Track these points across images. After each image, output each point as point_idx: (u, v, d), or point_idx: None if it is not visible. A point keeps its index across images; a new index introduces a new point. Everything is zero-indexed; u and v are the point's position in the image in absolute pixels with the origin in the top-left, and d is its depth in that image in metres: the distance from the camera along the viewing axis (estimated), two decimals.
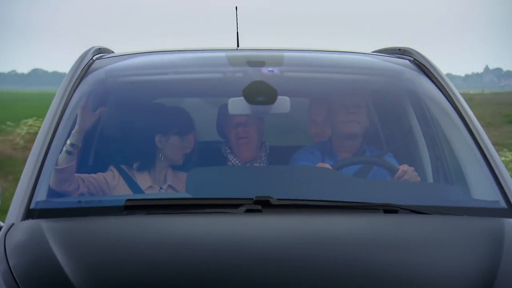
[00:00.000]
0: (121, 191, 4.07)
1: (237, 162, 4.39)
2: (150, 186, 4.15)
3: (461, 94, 4.07)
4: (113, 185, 4.08)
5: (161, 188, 4.14)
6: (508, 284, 2.88)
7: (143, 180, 4.17)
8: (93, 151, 4.36)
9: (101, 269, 2.96)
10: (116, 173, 4.16)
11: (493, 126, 24.65)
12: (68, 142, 3.94)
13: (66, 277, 2.84)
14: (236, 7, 4.98)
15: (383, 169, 4.20)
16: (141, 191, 4.13)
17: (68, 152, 3.94)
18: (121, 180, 4.13)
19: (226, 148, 4.47)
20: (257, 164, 4.40)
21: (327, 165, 4.08)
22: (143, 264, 2.96)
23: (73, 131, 3.97)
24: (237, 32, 4.89)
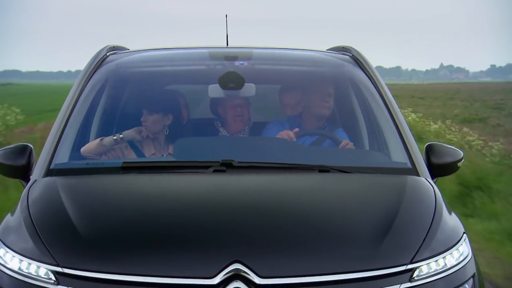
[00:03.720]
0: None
1: (226, 133, 4.34)
2: (153, 154, 4.08)
3: (386, 83, 4.08)
4: (126, 153, 4.02)
5: (162, 155, 4.06)
6: (406, 219, 2.95)
7: (148, 149, 4.09)
8: (116, 126, 4.26)
9: (98, 214, 2.98)
10: (127, 144, 4.08)
11: None
12: (121, 135, 3.96)
13: (70, 221, 2.87)
14: (226, 15, 5.05)
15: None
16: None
17: (116, 141, 3.95)
18: (131, 150, 4.07)
19: (218, 122, 4.41)
20: (242, 135, 4.34)
21: (290, 132, 4.02)
22: (132, 210, 2.98)
23: (128, 131, 3.98)
24: (227, 34, 4.91)
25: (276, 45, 5.09)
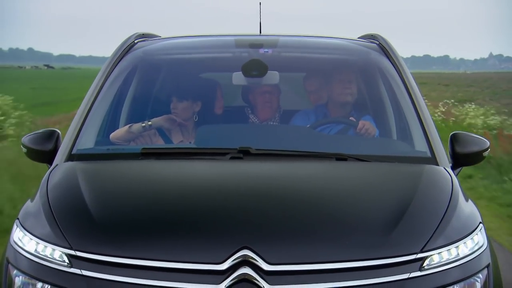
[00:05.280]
0: None
1: (256, 120, 4.31)
2: (181, 141, 4.05)
3: (411, 72, 4.00)
4: (154, 140, 4.00)
5: (190, 142, 4.02)
6: (420, 208, 2.89)
7: (176, 136, 4.07)
8: (145, 113, 4.24)
9: (113, 199, 2.99)
10: (156, 131, 4.07)
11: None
12: (150, 122, 3.94)
13: (85, 205, 2.88)
14: (260, 2, 4.98)
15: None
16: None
17: (144, 128, 3.93)
18: (160, 137, 4.06)
19: (248, 109, 4.38)
20: (272, 123, 4.30)
21: (366, 123, 3.95)
22: (146, 196, 2.98)
23: (157, 119, 3.96)
24: (260, 22, 4.85)
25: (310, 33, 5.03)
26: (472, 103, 22.74)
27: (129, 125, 3.93)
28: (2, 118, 14.26)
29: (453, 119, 19.71)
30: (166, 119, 4.03)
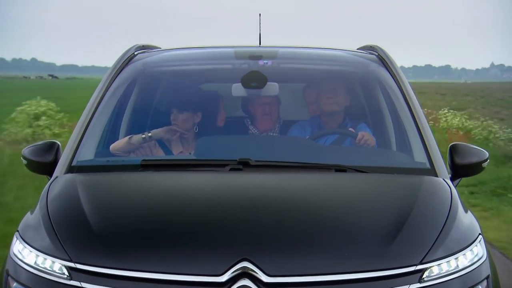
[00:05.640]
0: None
1: (256, 131, 4.31)
2: (181, 152, 4.05)
3: (410, 82, 4.01)
4: (154, 151, 4.00)
5: (190, 153, 4.01)
6: (419, 219, 2.89)
7: (176, 147, 4.07)
8: (145, 124, 4.25)
9: (112, 211, 2.98)
10: (156, 142, 4.07)
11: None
12: (150, 134, 3.95)
13: (85, 217, 2.88)
14: (260, 14, 5.00)
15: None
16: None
17: (144, 139, 3.93)
18: (160, 148, 4.05)
19: (248, 120, 4.38)
20: (272, 134, 4.31)
21: (366, 134, 3.96)
22: (146, 208, 2.97)
23: (157, 130, 3.97)
24: (259, 34, 4.87)
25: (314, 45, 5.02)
26: (451, 110, 25.62)
27: (129, 136, 3.93)
28: (47, 122, 17.42)
29: (432, 122, 23.75)
30: (166, 131, 4.04)
